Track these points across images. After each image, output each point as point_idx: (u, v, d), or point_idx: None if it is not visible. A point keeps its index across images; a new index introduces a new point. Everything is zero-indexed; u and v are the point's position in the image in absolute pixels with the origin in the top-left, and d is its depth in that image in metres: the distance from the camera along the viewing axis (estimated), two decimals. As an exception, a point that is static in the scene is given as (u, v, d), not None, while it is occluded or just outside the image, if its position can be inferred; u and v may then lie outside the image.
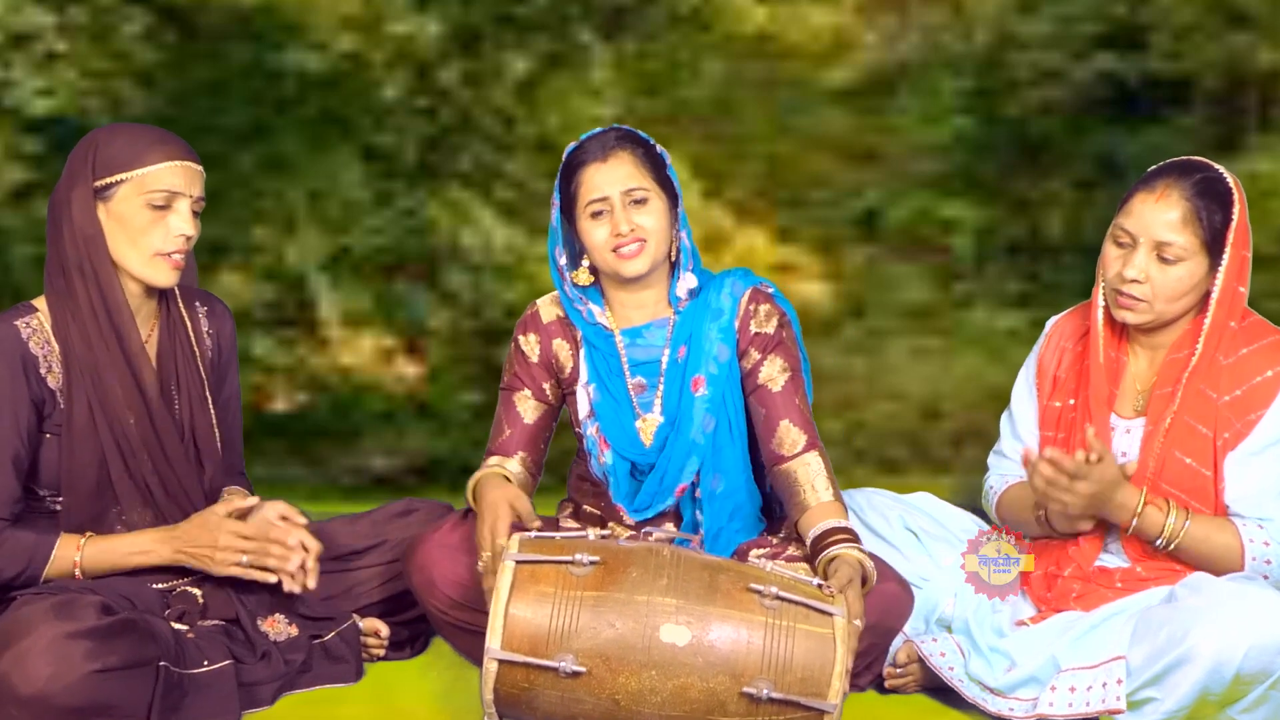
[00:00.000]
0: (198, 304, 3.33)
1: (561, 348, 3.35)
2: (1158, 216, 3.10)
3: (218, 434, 3.28)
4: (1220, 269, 3.13)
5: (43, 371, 3.11)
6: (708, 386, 3.26)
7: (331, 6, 4.49)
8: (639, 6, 4.52)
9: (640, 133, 3.27)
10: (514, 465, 3.31)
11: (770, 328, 3.29)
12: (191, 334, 3.27)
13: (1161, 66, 4.45)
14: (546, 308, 3.38)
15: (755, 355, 3.28)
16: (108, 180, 3.10)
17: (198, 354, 3.26)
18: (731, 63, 4.52)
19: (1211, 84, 4.45)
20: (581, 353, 3.32)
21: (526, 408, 3.34)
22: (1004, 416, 3.49)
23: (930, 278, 4.57)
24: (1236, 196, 3.13)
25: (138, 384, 3.14)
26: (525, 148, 4.56)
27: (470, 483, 3.23)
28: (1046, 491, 3.08)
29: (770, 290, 3.34)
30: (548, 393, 3.35)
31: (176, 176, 3.11)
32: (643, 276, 3.25)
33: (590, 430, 3.30)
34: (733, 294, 3.30)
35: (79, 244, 3.11)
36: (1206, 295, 3.16)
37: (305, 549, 3.15)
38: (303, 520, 3.19)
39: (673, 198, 3.27)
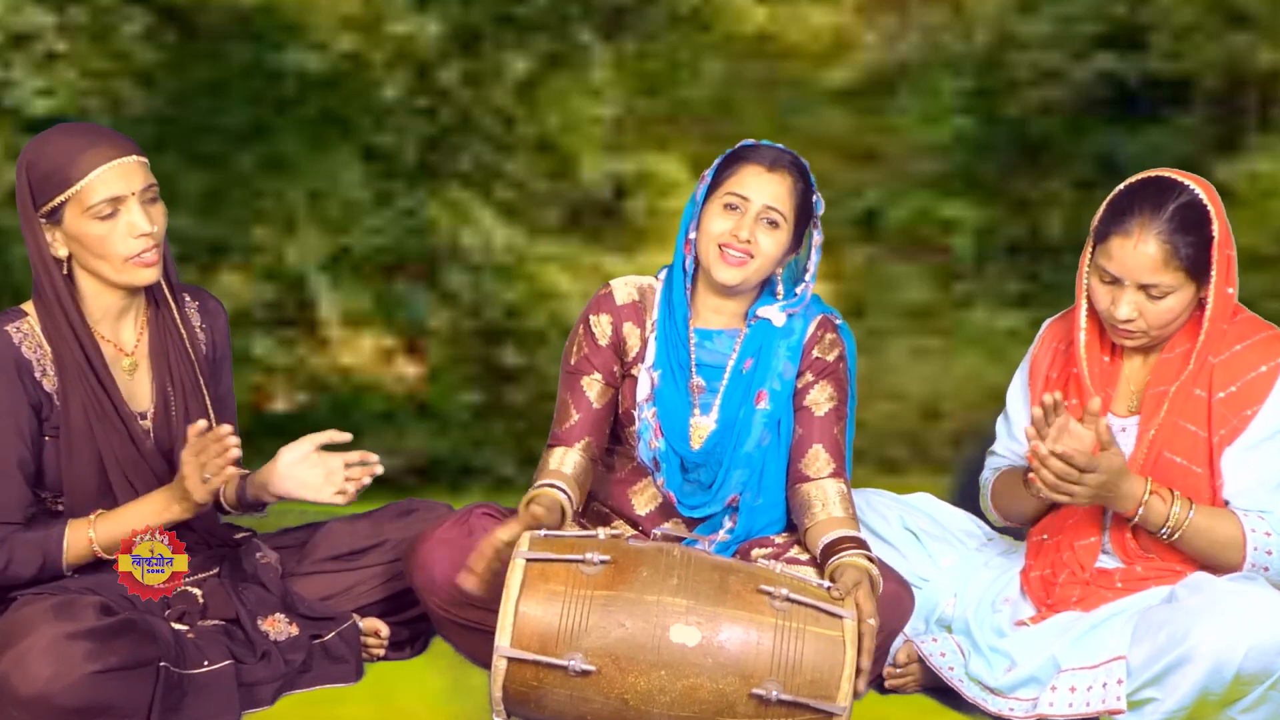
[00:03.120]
0: (188, 300, 3.32)
1: (631, 331, 3.35)
2: (1138, 262, 3.09)
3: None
4: (1210, 284, 3.12)
5: (38, 375, 3.11)
6: (769, 402, 3.28)
7: (331, 6, 4.49)
8: (639, 6, 4.51)
9: (811, 175, 3.29)
10: (575, 455, 3.29)
11: (831, 357, 3.33)
12: (184, 332, 3.26)
13: (1161, 66, 4.45)
14: (620, 289, 3.38)
15: (810, 378, 3.32)
16: (49, 206, 3.06)
17: (191, 351, 3.25)
18: (731, 63, 4.51)
19: (1211, 84, 4.45)
20: (652, 336, 3.32)
21: (595, 391, 3.33)
22: (1000, 418, 3.50)
23: (930, 278, 4.56)
24: (1213, 211, 3.11)
25: (116, 411, 3.12)
26: (525, 148, 4.56)
27: (526, 498, 3.17)
28: (1056, 485, 3.07)
29: (838, 322, 3.38)
30: (616, 375, 3.35)
31: (112, 182, 3.05)
32: (731, 289, 3.26)
33: (647, 414, 3.30)
34: (805, 316, 3.33)
35: (40, 272, 3.10)
36: (1199, 301, 3.16)
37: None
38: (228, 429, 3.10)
39: (797, 241, 3.28)
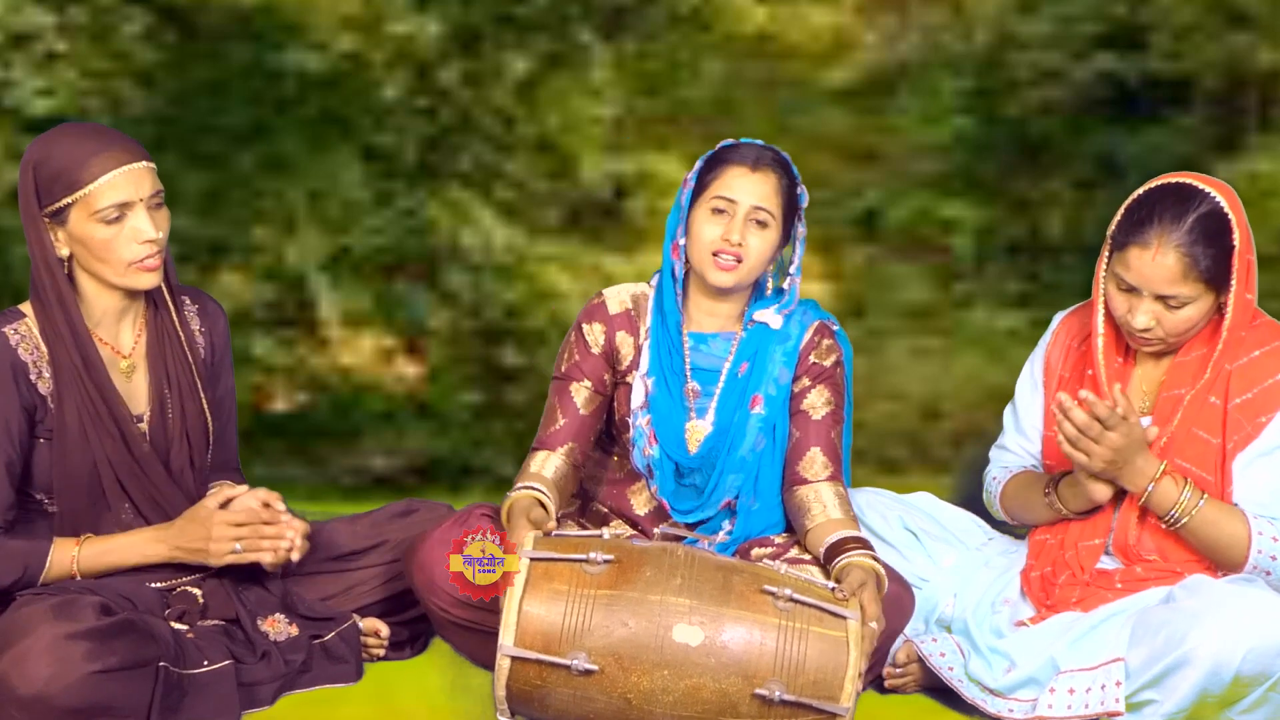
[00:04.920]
0: (187, 302, 3.31)
1: (625, 340, 3.35)
2: (1156, 273, 3.06)
3: (212, 433, 3.27)
4: (1230, 293, 3.10)
5: (33, 378, 3.10)
6: (765, 406, 3.29)
7: (331, 6, 4.49)
8: (639, 6, 4.51)
9: (794, 168, 3.29)
10: (557, 460, 3.29)
11: (828, 362, 3.33)
12: (182, 335, 3.25)
13: (1161, 66, 4.45)
14: (613, 298, 3.39)
15: (806, 382, 3.32)
16: (54, 207, 3.04)
17: (189, 354, 3.25)
18: (731, 63, 4.51)
19: (1211, 84, 4.45)
20: (646, 344, 3.32)
21: (583, 398, 3.34)
22: (1007, 410, 3.49)
23: (930, 278, 4.56)
24: (1234, 219, 3.08)
25: (111, 413, 3.12)
26: (525, 148, 4.56)
27: (505, 505, 3.18)
28: (1076, 440, 3.05)
29: (835, 328, 3.38)
30: (606, 383, 3.35)
31: (121, 187, 3.03)
32: (725, 291, 3.26)
33: (641, 421, 3.30)
34: (802, 322, 3.34)
35: (40, 271, 3.09)
36: (1218, 306, 3.15)
37: (293, 528, 3.16)
38: (283, 506, 3.19)
39: (786, 237, 3.29)
